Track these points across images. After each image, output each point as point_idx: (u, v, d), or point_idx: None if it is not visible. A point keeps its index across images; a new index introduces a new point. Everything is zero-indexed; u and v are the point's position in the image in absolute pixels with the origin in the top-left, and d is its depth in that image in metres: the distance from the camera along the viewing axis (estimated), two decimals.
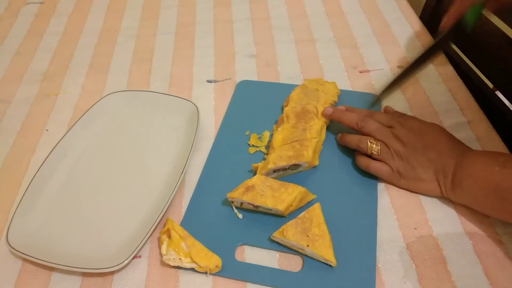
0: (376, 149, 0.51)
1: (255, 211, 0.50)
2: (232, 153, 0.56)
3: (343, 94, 0.62)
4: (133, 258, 0.47)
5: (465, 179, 0.46)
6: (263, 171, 0.51)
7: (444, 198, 0.50)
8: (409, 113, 0.60)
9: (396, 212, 0.49)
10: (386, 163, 0.51)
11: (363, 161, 0.52)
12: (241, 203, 0.49)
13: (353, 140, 0.53)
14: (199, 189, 0.53)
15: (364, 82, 0.66)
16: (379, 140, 0.51)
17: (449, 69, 0.67)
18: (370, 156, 0.52)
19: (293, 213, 0.49)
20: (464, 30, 0.54)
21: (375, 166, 0.51)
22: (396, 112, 0.57)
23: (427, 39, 0.72)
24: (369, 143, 0.51)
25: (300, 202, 0.49)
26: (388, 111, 0.58)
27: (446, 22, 0.52)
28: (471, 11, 0.52)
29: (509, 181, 0.42)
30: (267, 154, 0.55)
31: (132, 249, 0.45)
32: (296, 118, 0.55)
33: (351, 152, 0.55)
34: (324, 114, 0.56)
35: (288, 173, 0.53)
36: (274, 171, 0.52)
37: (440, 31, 0.53)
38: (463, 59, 0.73)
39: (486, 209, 0.47)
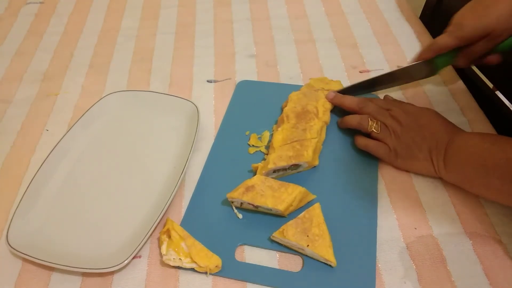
0: (376, 127, 0.53)
1: (255, 211, 0.50)
2: (232, 153, 0.56)
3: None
4: (133, 258, 0.47)
5: (455, 156, 0.48)
6: (263, 171, 0.51)
7: (444, 198, 0.50)
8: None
9: (396, 212, 0.50)
10: (384, 142, 0.53)
11: (362, 140, 0.54)
12: (241, 203, 0.49)
13: (354, 119, 0.56)
14: (199, 189, 0.53)
15: None
16: (378, 120, 0.54)
17: (449, 69, 0.67)
18: (369, 136, 0.54)
19: (293, 213, 0.49)
20: (435, 69, 0.59)
21: (373, 145, 0.53)
22: (395, 99, 0.59)
23: (427, 39, 0.72)
24: (370, 121, 0.54)
25: (300, 202, 0.49)
26: (387, 99, 0.60)
27: (416, 58, 0.58)
28: (439, 59, 0.57)
29: (496, 157, 0.43)
30: (267, 154, 0.55)
31: (132, 249, 0.45)
32: (296, 118, 0.55)
33: (351, 152, 0.55)
34: (327, 97, 0.59)
35: (288, 173, 0.53)
36: (274, 171, 0.52)
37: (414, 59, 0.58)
38: None
39: (474, 187, 0.47)
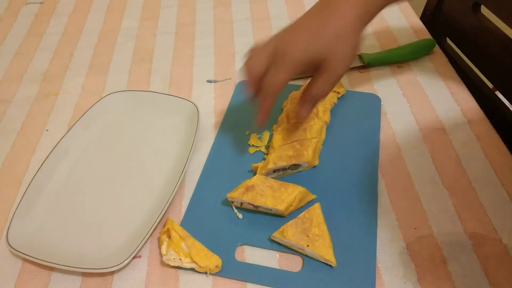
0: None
1: (255, 211, 0.50)
2: (232, 153, 0.56)
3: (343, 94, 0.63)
4: (133, 258, 0.47)
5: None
6: (263, 171, 0.51)
7: (444, 198, 0.50)
8: (409, 113, 0.60)
9: (396, 212, 0.49)
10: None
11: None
12: (241, 203, 0.49)
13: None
14: (199, 189, 0.53)
15: (364, 82, 0.66)
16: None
17: (449, 69, 0.67)
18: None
19: (293, 213, 0.49)
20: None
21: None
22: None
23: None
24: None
25: (300, 202, 0.49)
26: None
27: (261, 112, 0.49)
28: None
29: None
30: (267, 154, 0.55)
31: (132, 249, 0.45)
32: (296, 118, 0.55)
33: (351, 152, 0.55)
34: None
35: (288, 173, 0.53)
36: (274, 171, 0.52)
37: None
38: (463, 59, 0.73)
39: None
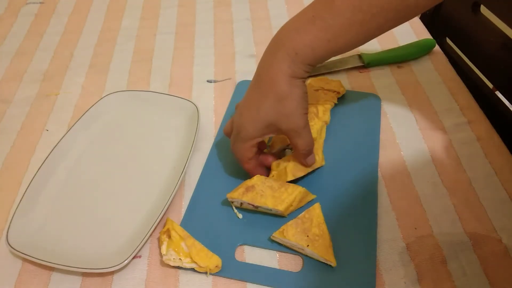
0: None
1: (255, 211, 0.50)
2: (232, 153, 0.56)
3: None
4: (133, 258, 0.47)
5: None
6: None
7: (444, 198, 0.50)
8: (409, 113, 0.60)
9: (396, 212, 0.49)
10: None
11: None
12: (241, 203, 0.49)
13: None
14: (199, 189, 0.53)
15: (364, 82, 0.66)
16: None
17: (449, 69, 0.67)
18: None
19: (293, 213, 0.49)
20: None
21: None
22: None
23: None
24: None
25: (300, 202, 0.49)
26: None
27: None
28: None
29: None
30: (275, 158, 0.53)
31: (132, 249, 0.45)
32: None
33: (351, 152, 0.55)
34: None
35: None
36: None
37: None
38: (463, 59, 0.73)
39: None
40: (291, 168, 0.50)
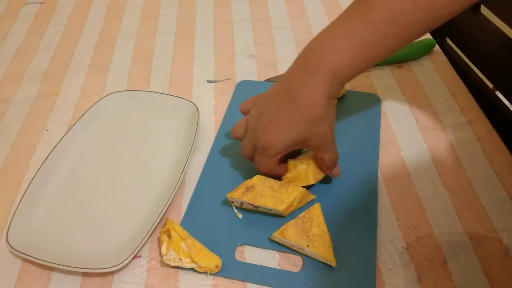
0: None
1: (255, 211, 0.50)
2: (232, 153, 0.56)
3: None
4: (133, 258, 0.47)
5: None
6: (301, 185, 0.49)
7: (444, 198, 0.50)
8: (409, 113, 0.60)
9: (396, 212, 0.49)
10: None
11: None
12: (241, 203, 0.49)
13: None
14: (199, 189, 0.53)
15: (364, 82, 0.66)
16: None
17: (449, 69, 0.67)
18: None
19: (293, 213, 0.49)
20: None
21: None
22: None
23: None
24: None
25: (300, 202, 0.49)
26: None
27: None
28: None
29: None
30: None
31: (132, 249, 0.45)
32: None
33: (351, 151, 0.55)
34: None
35: None
36: None
37: None
38: (463, 59, 0.73)
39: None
40: (313, 172, 0.50)
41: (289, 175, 0.50)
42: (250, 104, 0.52)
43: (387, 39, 0.42)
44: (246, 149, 0.50)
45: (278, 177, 0.50)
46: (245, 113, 0.52)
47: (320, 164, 0.49)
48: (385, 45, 0.43)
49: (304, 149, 0.54)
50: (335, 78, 0.44)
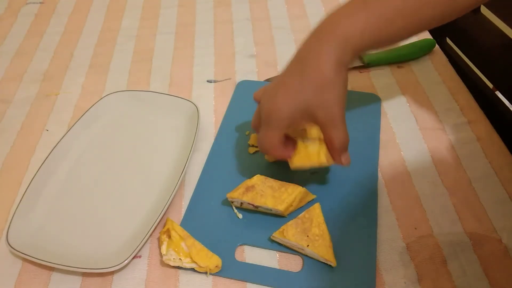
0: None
1: (255, 211, 0.50)
2: (232, 153, 0.56)
3: None
4: (133, 258, 0.47)
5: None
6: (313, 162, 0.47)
7: (444, 198, 0.50)
8: (409, 113, 0.60)
9: (396, 212, 0.49)
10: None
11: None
12: (241, 203, 0.49)
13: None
14: (199, 189, 0.53)
15: (364, 82, 0.66)
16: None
17: (449, 69, 0.67)
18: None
19: (293, 213, 0.49)
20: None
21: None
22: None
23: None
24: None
25: (300, 202, 0.49)
26: None
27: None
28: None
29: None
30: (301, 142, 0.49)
31: (132, 249, 0.45)
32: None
33: (351, 151, 0.55)
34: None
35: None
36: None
37: None
38: (463, 59, 0.73)
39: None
40: (326, 152, 0.46)
41: (301, 154, 0.47)
42: (263, 89, 0.50)
43: (402, 14, 0.43)
44: (256, 123, 0.48)
45: (284, 159, 0.48)
46: (258, 101, 0.50)
47: (329, 147, 0.46)
48: (398, 22, 0.43)
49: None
50: (346, 45, 0.43)
